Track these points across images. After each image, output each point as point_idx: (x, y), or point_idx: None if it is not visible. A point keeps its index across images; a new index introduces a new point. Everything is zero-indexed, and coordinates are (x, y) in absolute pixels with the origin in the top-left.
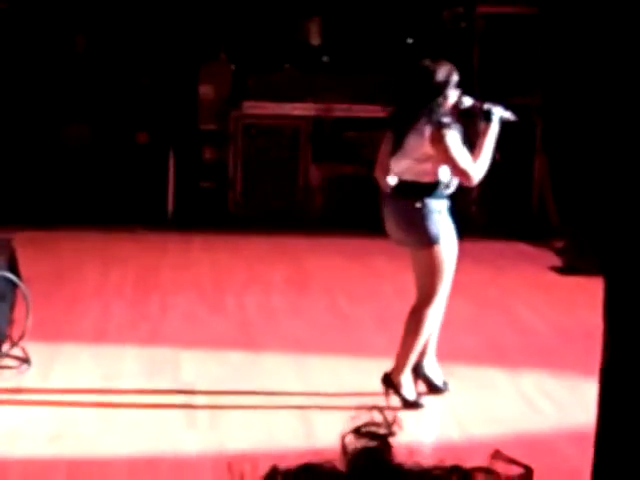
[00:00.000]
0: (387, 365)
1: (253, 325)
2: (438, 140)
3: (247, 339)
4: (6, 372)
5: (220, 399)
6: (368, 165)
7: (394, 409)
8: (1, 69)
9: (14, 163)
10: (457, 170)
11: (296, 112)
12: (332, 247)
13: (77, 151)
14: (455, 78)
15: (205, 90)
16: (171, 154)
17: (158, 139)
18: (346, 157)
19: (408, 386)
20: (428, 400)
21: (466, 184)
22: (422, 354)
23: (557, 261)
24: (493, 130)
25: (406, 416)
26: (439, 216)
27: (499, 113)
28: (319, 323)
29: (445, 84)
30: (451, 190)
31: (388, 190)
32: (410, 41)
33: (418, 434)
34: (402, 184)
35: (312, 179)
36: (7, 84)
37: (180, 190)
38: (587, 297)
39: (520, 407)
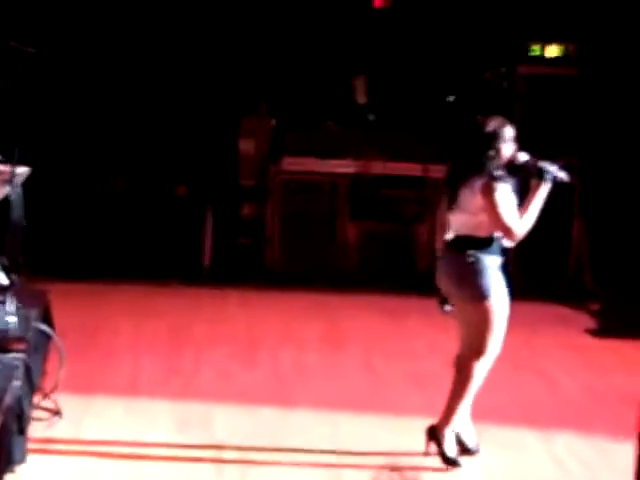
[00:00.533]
0: (420, 424)
1: (286, 381)
2: (488, 192)
3: (280, 395)
4: (37, 424)
5: (250, 455)
6: (405, 223)
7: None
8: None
9: (53, 215)
10: (500, 224)
11: (335, 169)
12: (368, 305)
13: (116, 204)
14: (508, 132)
15: (245, 145)
16: (209, 208)
17: (197, 193)
18: (383, 215)
19: (450, 442)
20: (463, 460)
21: (508, 239)
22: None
23: (592, 324)
24: (544, 189)
25: (438, 477)
26: (492, 272)
27: (553, 172)
28: (352, 381)
29: (494, 136)
30: (506, 245)
31: (440, 247)
32: (451, 99)
33: None
34: (457, 238)
35: (349, 236)
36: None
37: (217, 245)
38: (621, 360)
39: (551, 469)
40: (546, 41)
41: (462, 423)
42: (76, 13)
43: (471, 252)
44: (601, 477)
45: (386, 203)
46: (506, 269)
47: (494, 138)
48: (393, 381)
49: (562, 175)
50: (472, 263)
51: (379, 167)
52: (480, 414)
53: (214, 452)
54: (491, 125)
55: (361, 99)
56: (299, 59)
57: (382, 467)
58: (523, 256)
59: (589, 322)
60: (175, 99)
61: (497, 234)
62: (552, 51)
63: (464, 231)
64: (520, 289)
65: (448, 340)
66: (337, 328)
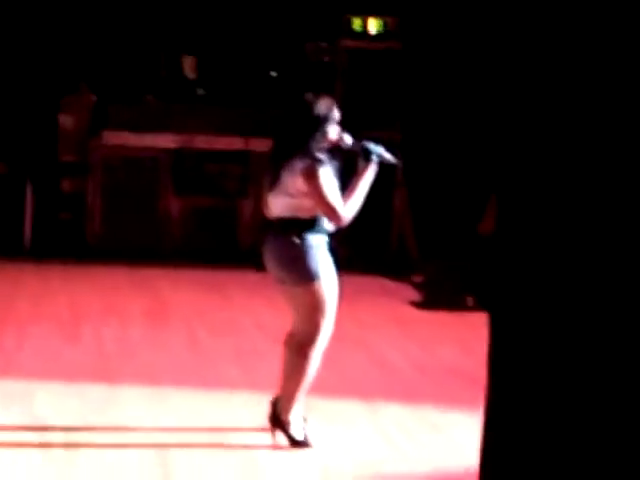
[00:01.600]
0: (245, 399)
1: (111, 358)
2: (310, 176)
3: (105, 372)
4: None
5: (77, 436)
6: (228, 198)
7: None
8: None
9: None
10: (325, 208)
11: (157, 143)
12: (191, 280)
13: None
14: (336, 114)
15: (65, 121)
16: (29, 184)
17: (16, 169)
18: (207, 189)
19: (296, 425)
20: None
21: (334, 223)
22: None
23: (416, 296)
24: (371, 171)
25: (268, 454)
26: (318, 251)
27: (379, 153)
28: (177, 356)
29: (324, 119)
30: (331, 226)
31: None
32: (274, 74)
33: (272, 466)
34: (281, 220)
35: (172, 211)
36: None
37: (38, 221)
38: (446, 332)
39: (379, 442)
40: (367, 14)
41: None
42: None
43: (296, 233)
44: (429, 449)
45: (209, 178)
46: (330, 243)
47: (323, 120)
48: (218, 356)
49: (388, 156)
50: (298, 245)
51: (202, 141)
52: (309, 389)
53: (39, 434)
54: (321, 107)
55: (190, 74)
56: (123, 34)
57: (212, 445)
58: (346, 229)
59: (413, 294)
60: None
61: (319, 214)
62: (373, 25)
63: (287, 213)
64: (344, 262)
65: (273, 316)
66: (161, 303)
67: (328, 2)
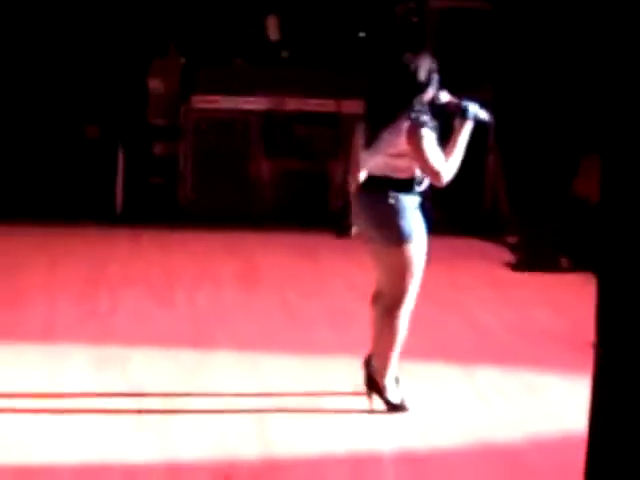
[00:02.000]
0: (339, 363)
1: (204, 322)
2: (414, 137)
3: (198, 337)
4: None
5: (171, 402)
6: (319, 160)
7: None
8: None
9: None
10: (429, 169)
11: (247, 106)
12: (282, 243)
13: (27, 145)
14: (436, 75)
15: (155, 84)
16: (120, 149)
17: (108, 133)
18: (297, 152)
19: (392, 389)
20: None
21: (436, 184)
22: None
23: (510, 257)
24: (467, 129)
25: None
26: (412, 213)
27: (475, 111)
28: (270, 320)
29: (427, 83)
30: (423, 187)
31: (355, 186)
32: (362, 35)
33: (375, 433)
34: (374, 179)
35: (263, 174)
36: None
37: (129, 185)
38: (540, 294)
39: (476, 404)
40: None
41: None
42: None
43: (391, 193)
44: (526, 412)
45: (300, 140)
46: (424, 205)
47: (427, 83)
48: (311, 319)
49: (483, 114)
50: (392, 205)
51: (292, 103)
52: (403, 351)
53: (135, 399)
54: (423, 71)
55: (274, 36)
56: None
57: (308, 410)
58: (439, 191)
59: (507, 256)
60: (83, 39)
61: (417, 174)
62: None
63: (382, 172)
64: (437, 224)
65: (364, 278)
66: (253, 267)
67: None
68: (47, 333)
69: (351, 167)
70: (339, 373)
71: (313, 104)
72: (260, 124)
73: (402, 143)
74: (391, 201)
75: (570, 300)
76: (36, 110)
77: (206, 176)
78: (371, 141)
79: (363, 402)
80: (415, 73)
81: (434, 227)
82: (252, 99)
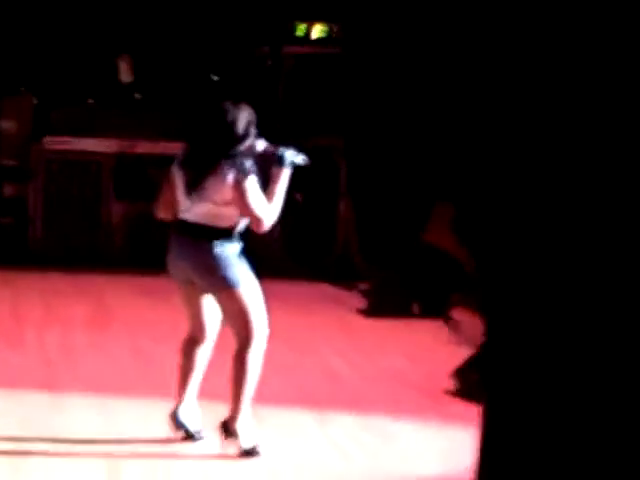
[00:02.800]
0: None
1: (55, 364)
2: (241, 187)
3: (49, 379)
4: None
5: (23, 445)
6: None
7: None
8: None
9: None
10: (253, 217)
11: (99, 148)
12: (134, 285)
13: None
14: (253, 127)
15: (6, 124)
16: None
17: None
18: (148, 195)
19: (246, 433)
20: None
21: (257, 230)
22: (180, 398)
23: (362, 303)
24: (285, 175)
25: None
26: (236, 259)
27: (291, 157)
28: (122, 362)
29: (244, 135)
30: (240, 231)
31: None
32: (215, 78)
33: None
34: (197, 227)
35: (114, 216)
36: None
37: None
38: (392, 340)
39: (331, 452)
40: (311, 20)
41: (185, 408)
42: None
43: (215, 242)
44: (381, 459)
45: (151, 183)
46: (272, 250)
47: (245, 133)
48: (162, 363)
49: (300, 159)
50: (217, 253)
51: (144, 146)
52: (257, 397)
53: None
54: (242, 122)
55: (126, 78)
56: (62, 38)
57: (161, 455)
58: (291, 237)
59: (359, 301)
60: None
61: (238, 224)
62: (317, 31)
63: (206, 220)
64: (289, 270)
65: None
66: (103, 309)
67: (272, 7)
68: None
69: (159, 206)
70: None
71: (165, 147)
72: (112, 166)
73: (227, 192)
74: (216, 250)
75: (422, 346)
76: None
77: (57, 218)
78: (193, 187)
79: (216, 447)
80: (232, 124)
81: (285, 272)
82: (104, 141)
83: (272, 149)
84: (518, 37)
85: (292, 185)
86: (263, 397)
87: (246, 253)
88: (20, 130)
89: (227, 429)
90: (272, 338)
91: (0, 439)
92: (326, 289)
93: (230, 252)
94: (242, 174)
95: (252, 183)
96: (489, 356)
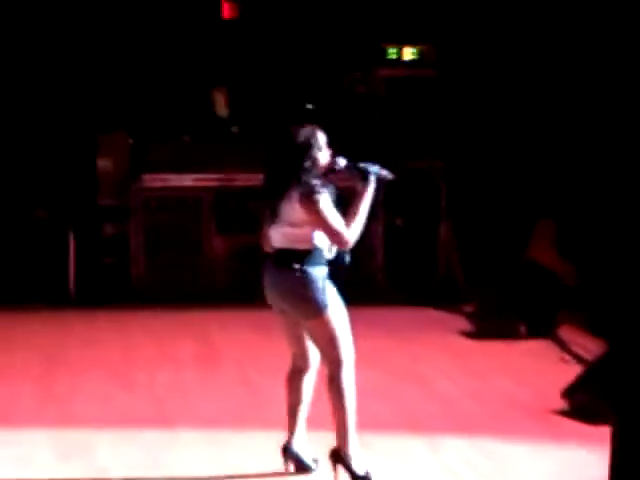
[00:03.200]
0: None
1: (166, 402)
2: (309, 203)
3: (161, 417)
4: None
5: None
6: None
7: None
8: None
9: None
10: (330, 232)
11: (197, 183)
12: (239, 319)
13: None
14: (321, 139)
15: (103, 164)
16: (70, 230)
17: (57, 215)
18: (250, 227)
19: (357, 460)
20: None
21: (340, 246)
22: (291, 432)
23: (467, 325)
24: (370, 190)
25: None
26: (321, 283)
27: (375, 172)
28: (232, 398)
29: (307, 146)
30: (331, 255)
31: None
32: (310, 107)
33: None
34: (280, 252)
35: (216, 250)
36: None
37: (81, 267)
38: (499, 362)
39: (443, 477)
40: (402, 43)
41: (298, 439)
42: None
43: (297, 266)
44: None
45: (252, 215)
46: (375, 276)
47: (308, 148)
48: (272, 396)
49: (384, 173)
50: (299, 278)
51: (243, 179)
52: (364, 424)
53: None
54: (302, 135)
55: (221, 112)
56: (154, 74)
57: None
58: (393, 262)
59: (464, 324)
60: (31, 120)
61: (318, 244)
62: (409, 53)
63: (286, 244)
64: (391, 295)
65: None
66: (210, 345)
67: (363, 32)
68: (8, 418)
69: (262, 240)
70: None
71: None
72: (211, 200)
73: (298, 211)
74: (297, 274)
75: (530, 367)
76: None
77: (158, 255)
78: (273, 215)
79: (328, 477)
80: (292, 138)
81: (386, 298)
82: (202, 176)
83: (354, 164)
84: (622, 61)
85: (393, 210)
86: (372, 424)
87: (349, 282)
88: (117, 169)
89: (337, 457)
90: (375, 364)
91: (117, 478)
92: (430, 313)
93: (315, 276)
94: (309, 191)
95: (323, 199)
96: (611, 374)
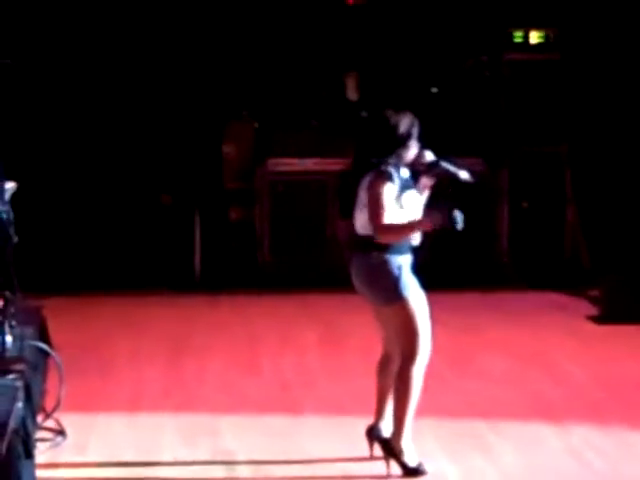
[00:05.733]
0: (427, 424)
1: (291, 387)
2: (374, 187)
3: (287, 402)
4: (41, 445)
5: (264, 468)
6: None
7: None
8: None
9: (40, 229)
10: (370, 215)
11: (322, 167)
12: (364, 303)
13: (104, 215)
14: (417, 130)
15: (229, 149)
16: (197, 214)
17: (183, 200)
18: None
19: (410, 452)
20: (477, 458)
21: (374, 234)
22: (379, 416)
23: (594, 310)
24: (424, 182)
25: (451, 473)
26: (400, 271)
27: (446, 167)
28: (358, 382)
29: (407, 136)
30: (416, 242)
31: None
32: (435, 90)
33: None
34: (360, 239)
35: (341, 234)
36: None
37: (207, 251)
38: (627, 346)
39: (570, 463)
40: (529, 27)
41: (386, 425)
42: (51, 23)
43: (375, 254)
44: (622, 469)
45: None
46: (500, 260)
47: (407, 138)
48: None
49: (465, 176)
50: (379, 265)
51: None
52: (491, 411)
53: (226, 468)
54: (403, 124)
55: (353, 95)
56: (282, 61)
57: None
58: (518, 245)
59: (590, 309)
60: (156, 107)
61: None
62: (535, 37)
63: (365, 230)
64: (516, 279)
65: (448, 336)
66: (336, 329)
67: (488, 16)
68: (135, 403)
69: (336, 229)
70: (427, 432)
71: None
72: (335, 185)
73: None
74: (376, 261)
75: None
76: (112, 180)
77: (284, 239)
78: (354, 199)
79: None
80: (395, 127)
81: (512, 282)
82: (327, 160)
83: (437, 162)
84: None
85: (519, 194)
86: (498, 409)
87: (475, 264)
88: (243, 154)
89: (390, 449)
90: (501, 349)
91: (243, 463)
92: (555, 297)
93: (394, 263)
94: (381, 176)
95: (388, 189)
96: None
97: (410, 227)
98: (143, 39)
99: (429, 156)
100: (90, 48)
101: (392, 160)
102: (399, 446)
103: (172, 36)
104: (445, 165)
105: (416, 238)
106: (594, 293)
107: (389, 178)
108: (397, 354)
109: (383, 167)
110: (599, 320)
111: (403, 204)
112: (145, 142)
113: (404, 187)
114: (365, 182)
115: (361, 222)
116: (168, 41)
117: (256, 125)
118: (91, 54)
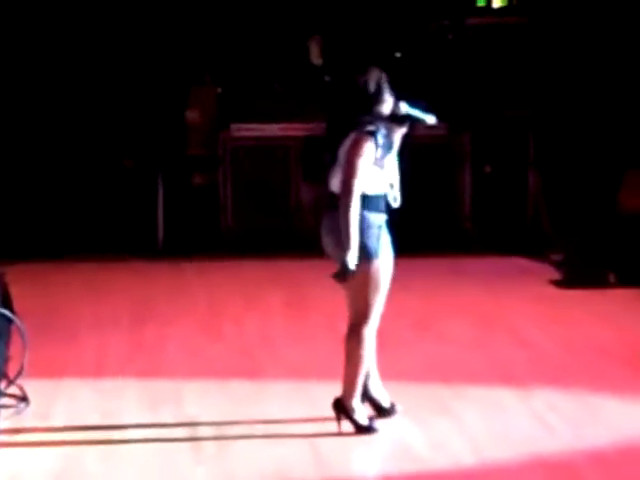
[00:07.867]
0: (390, 388)
1: (254, 351)
2: (354, 148)
3: (249, 366)
4: (4, 412)
5: (226, 430)
6: None
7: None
8: None
9: (1, 196)
10: (344, 176)
11: (286, 132)
12: (327, 268)
13: (64, 180)
14: (386, 86)
15: (192, 114)
16: (160, 180)
17: (146, 165)
18: None
19: (360, 411)
20: (440, 423)
21: (341, 197)
22: (366, 376)
23: (555, 274)
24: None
25: (414, 437)
26: (375, 230)
27: (416, 118)
28: (320, 347)
29: (378, 93)
30: (396, 204)
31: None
32: (398, 55)
33: (430, 458)
34: (334, 197)
35: (304, 199)
36: None
37: (170, 216)
38: (589, 310)
39: (533, 426)
40: None
41: (373, 385)
42: None
43: None
44: (584, 431)
45: None
46: (463, 224)
47: (378, 95)
48: None
49: (430, 120)
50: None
51: None
52: (455, 375)
53: (189, 430)
54: (372, 81)
55: (316, 60)
56: (244, 24)
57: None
58: (480, 210)
59: (553, 273)
60: (118, 72)
61: (379, 192)
62: (498, 1)
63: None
64: (479, 244)
65: (411, 301)
66: (299, 294)
67: None
68: (99, 369)
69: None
70: (394, 396)
71: None
72: (299, 149)
73: None
74: None
75: (620, 316)
76: (74, 145)
77: (247, 204)
78: (333, 160)
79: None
80: (365, 86)
81: (474, 246)
82: (291, 125)
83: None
84: None
85: (481, 158)
86: (461, 374)
87: (437, 229)
88: (206, 119)
89: (341, 408)
90: (465, 314)
91: (205, 424)
92: (518, 262)
93: (370, 222)
94: (363, 135)
95: (365, 149)
96: None
97: (347, 237)
98: (106, 4)
99: (404, 107)
100: (52, 13)
101: (370, 118)
102: (350, 405)
103: (135, 0)
104: (415, 114)
105: (397, 200)
106: (557, 257)
107: (373, 137)
108: (349, 312)
109: (368, 127)
110: (562, 284)
111: (385, 165)
112: (107, 106)
113: (386, 147)
114: (348, 141)
115: (336, 180)
116: (130, 6)
117: (219, 90)
118: (53, 18)
